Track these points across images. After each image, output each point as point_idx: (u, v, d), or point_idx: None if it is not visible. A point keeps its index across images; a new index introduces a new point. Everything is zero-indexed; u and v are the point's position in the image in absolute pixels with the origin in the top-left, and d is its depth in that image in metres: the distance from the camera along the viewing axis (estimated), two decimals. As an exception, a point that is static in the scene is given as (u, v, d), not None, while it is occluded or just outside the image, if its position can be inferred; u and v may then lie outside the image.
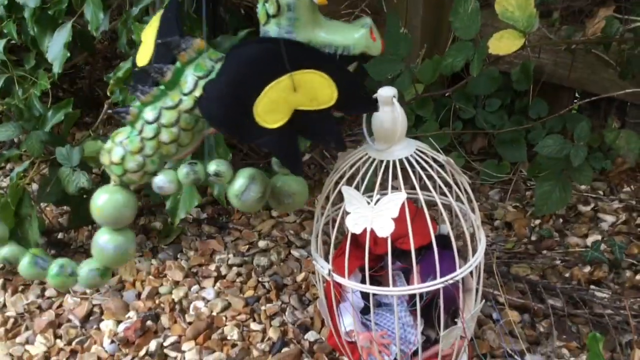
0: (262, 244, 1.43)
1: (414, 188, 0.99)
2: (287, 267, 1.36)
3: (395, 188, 0.92)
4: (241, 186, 0.85)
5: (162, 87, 0.83)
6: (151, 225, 1.49)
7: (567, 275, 1.27)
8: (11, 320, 1.26)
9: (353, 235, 0.96)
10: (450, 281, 0.94)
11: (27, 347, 1.20)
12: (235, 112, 0.81)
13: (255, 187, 0.86)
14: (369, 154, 0.97)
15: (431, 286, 0.94)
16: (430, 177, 0.96)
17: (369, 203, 0.93)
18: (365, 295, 1.05)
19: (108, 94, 1.25)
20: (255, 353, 1.16)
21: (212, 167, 0.85)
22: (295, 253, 1.40)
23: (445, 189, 0.97)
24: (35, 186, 1.54)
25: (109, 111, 1.34)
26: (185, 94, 0.81)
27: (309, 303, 1.27)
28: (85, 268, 0.88)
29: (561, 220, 1.45)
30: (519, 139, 1.61)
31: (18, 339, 1.22)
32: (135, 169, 0.84)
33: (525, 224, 1.43)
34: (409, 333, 1.05)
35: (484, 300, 1.04)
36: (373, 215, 0.92)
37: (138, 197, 1.58)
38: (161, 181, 0.85)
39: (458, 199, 1.01)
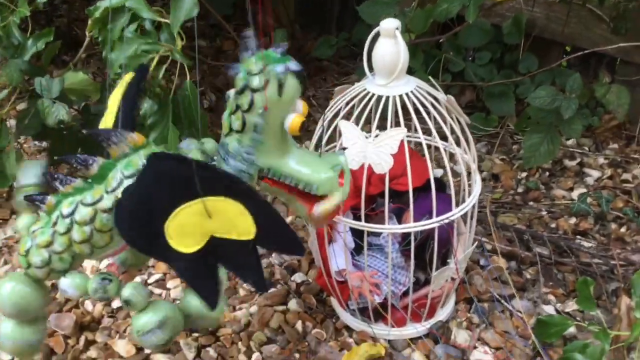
0: (248, 187, 1.40)
1: (410, 129, 0.97)
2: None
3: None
4: (145, 325, 0.77)
5: (89, 179, 0.76)
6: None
7: (553, 225, 1.28)
8: (-12, 254, 1.23)
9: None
10: (446, 221, 0.94)
11: (6, 281, 1.17)
12: (147, 228, 0.72)
13: (160, 335, 0.77)
14: (367, 90, 0.95)
15: (426, 225, 0.93)
16: (430, 115, 0.94)
17: (367, 138, 0.91)
18: (357, 236, 1.04)
19: (87, 33, 1.19)
20: (241, 292, 1.15)
21: (126, 292, 0.77)
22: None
23: (445, 128, 0.95)
24: (13, 122, 1.48)
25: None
26: (107, 192, 0.74)
27: (296, 246, 1.25)
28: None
29: (547, 173, 1.45)
30: (507, 92, 1.60)
31: (-4, 273, 1.20)
32: (39, 264, 0.77)
33: (512, 176, 1.43)
34: (399, 274, 1.04)
35: (476, 242, 1.04)
36: (371, 150, 0.90)
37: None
38: (65, 285, 0.78)
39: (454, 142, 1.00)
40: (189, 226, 0.72)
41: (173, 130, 1.04)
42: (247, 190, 0.73)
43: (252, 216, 0.72)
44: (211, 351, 1.02)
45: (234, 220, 0.72)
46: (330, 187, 0.77)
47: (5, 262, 1.22)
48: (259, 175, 0.78)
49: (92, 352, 1.02)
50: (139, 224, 0.73)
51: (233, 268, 0.76)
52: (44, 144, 1.52)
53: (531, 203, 1.35)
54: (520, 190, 1.40)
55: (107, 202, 0.74)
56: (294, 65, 0.73)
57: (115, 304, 1.11)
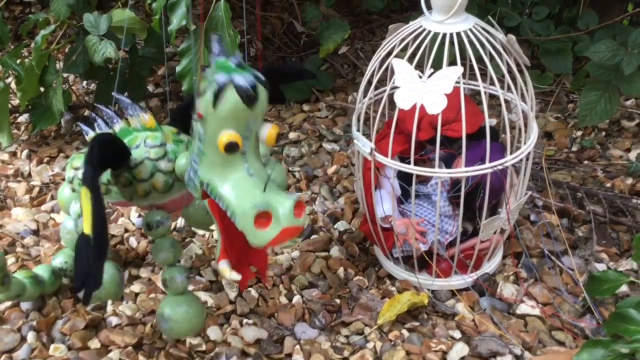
0: (292, 135, 1.38)
1: (465, 72, 0.93)
2: (318, 159, 1.32)
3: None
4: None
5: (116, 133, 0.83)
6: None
7: (608, 185, 1.22)
8: (36, 189, 1.24)
9: (395, 121, 0.91)
10: (500, 167, 0.90)
11: (53, 215, 1.19)
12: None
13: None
14: (424, 26, 0.91)
15: (479, 170, 0.90)
16: (487, 54, 0.90)
17: (420, 77, 0.88)
18: (404, 183, 1.01)
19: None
20: (283, 237, 1.13)
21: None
22: (327, 146, 1.35)
23: (503, 68, 0.91)
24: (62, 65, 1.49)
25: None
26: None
27: (340, 195, 1.23)
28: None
29: (603, 133, 1.39)
30: (565, 49, 1.53)
31: (43, 207, 1.21)
32: (74, 183, 0.87)
33: (567, 135, 1.38)
34: (446, 223, 1.01)
35: (529, 192, 1.00)
36: (425, 90, 0.87)
37: (166, 82, 1.54)
38: (72, 208, 0.88)
39: (509, 88, 0.96)
40: (85, 209, 0.70)
41: (205, 56, 1.03)
42: (95, 196, 0.70)
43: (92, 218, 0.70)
44: (252, 292, 1.02)
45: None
46: (244, 224, 0.68)
47: (53, 198, 1.23)
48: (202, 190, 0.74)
49: (136, 287, 1.03)
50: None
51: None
52: (92, 86, 1.53)
53: (586, 162, 1.30)
54: (574, 149, 1.34)
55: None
56: (242, 79, 0.66)
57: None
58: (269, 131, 0.70)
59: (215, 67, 0.68)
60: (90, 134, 0.87)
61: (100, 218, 0.70)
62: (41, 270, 0.96)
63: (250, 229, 0.67)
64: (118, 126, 0.83)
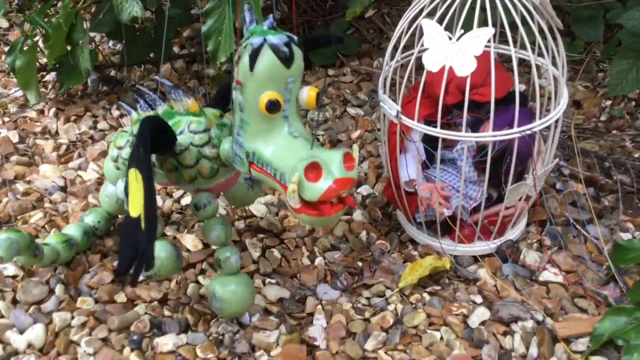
0: (317, 99, 1.38)
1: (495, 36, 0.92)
2: (342, 123, 1.32)
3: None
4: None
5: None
6: (204, 72, 1.44)
7: (636, 155, 1.21)
8: (63, 147, 1.25)
9: (423, 84, 0.90)
10: (528, 132, 0.89)
11: (80, 172, 1.20)
12: (126, 174, 0.74)
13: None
14: (455, -13, 0.89)
15: (507, 135, 0.89)
16: (522, 21, 0.88)
17: (450, 39, 0.86)
18: (428, 149, 1.01)
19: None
20: (307, 200, 1.14)
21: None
22: (351, 111, 1.35)
23: (535, 30, 0.89)
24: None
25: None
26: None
27: (363, 160, 1.23)
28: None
29: (633, 103, 1.36)
30: (596, 17, 1.50)
31: (70, 164, 1.22)
32: (112, 158, 0.90)
33: (595, 104, 1.35)
34: (470, 189, 1.01)
35: (557, 159, 0.99)
36: (454, 52, 0.86)
37: (191, 43, 1.54)
38: (119, 186, 0.90)
39: (540, 54, 0.94)
40: (133, 191, 0.70)
41: (229, 18, 1.03)
42: (147, 181, 0.69)
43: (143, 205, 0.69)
44: (275, 252, 1.02)
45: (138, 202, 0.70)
46: (294, 179, 0.67)
47: (80, 156, 1.25)
48: (248, 160, 0.74)
49: (160, 245, 1.04)
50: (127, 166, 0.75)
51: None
52: (118, 46, 1.53)
53: (614, 131, 1.28)
54: (603, 118, 1.32)
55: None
56: (277, 39, 0.66)
57: (184, 201, 1.13)
58: (308, 93, 0.70)
59: (249, 33, 0.68)
60: (132, 114, 0.86)
61: (151, 200, 0.70)
62: (72, 230, 0.97)
63: (302, 181, 0.67)
64: (161, 108, 0.82)
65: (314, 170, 0.67)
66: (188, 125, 0.80)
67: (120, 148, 0.88)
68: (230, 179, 0.85)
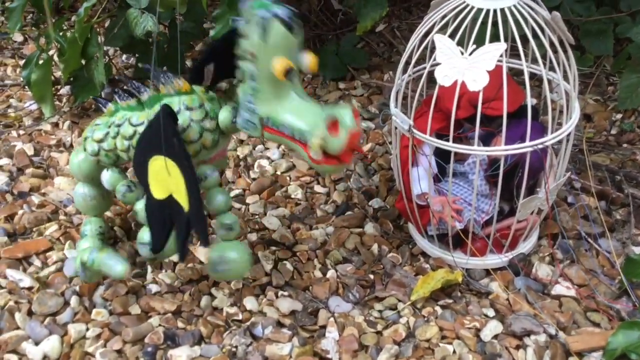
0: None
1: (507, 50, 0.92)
2: (353, 136, 1.32)
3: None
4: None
5: (143, 102, 0.87)
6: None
7: (647, 169, 1.21)
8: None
9: (434, 98, 0.91)
10: (540, 146, 0.89)
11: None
12: (140, 161, 0.83)
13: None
14: (466, 1, 0.90)
15: (519, 149, 0.89)
16: (534, 36, 0.89)
17: (462, 54, 0.87)
18: (440, 162, 1.01)
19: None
20: (319, 213, 1.14)
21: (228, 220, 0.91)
22: (362, 124, 1.35)
23: (546, 45, 0.90)
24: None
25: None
26: (148, 119, 0.84)
27: (374, 173, 1.24)
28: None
29: (644, 117, 1.37)
30: (606, 31, 1.50)
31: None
32: (90, 153, 0.92)
33: (606, 117, 1.36)
34: (482, 202, 1.01)
35: (568, 173, 0.99)
36: (466, 66, 0.87)
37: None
38: (104, 177, 0.93)
39: (552, 68, 0.94)
40: (158, 175, 0.81)
41: None
42: (188, 168, 0.80)
43: (186, 189, 0.80)
44: (288, 265, 1.03)
45: (179, 187, 0.80)
46: (317, 134, 0.76)
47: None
48: (262, 124, 0.82)
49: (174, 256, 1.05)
50: (139, 153, 0.84)
51: (176, 229, 0.83)
52: (132, 60, 1.55)
53: (625, 145, 1.28)
54: (613, 131, 1.33)
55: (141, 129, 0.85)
56: (281, 11, 0.74)
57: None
58: (308, 58, 0.77)
59: (253, 7, 0.75)
60: (109, 105, 0.91)
61: (196, 186, 0.80)
62: (90, 242, 0.98)
63: (327, 136, 0.75)
64: (147, 94, 0.87)
65: (332, 125, 0.75)
66: (182, 103, 0.85)
67: (100, 141, 0.91)
68: (225, 148, 0.96)
